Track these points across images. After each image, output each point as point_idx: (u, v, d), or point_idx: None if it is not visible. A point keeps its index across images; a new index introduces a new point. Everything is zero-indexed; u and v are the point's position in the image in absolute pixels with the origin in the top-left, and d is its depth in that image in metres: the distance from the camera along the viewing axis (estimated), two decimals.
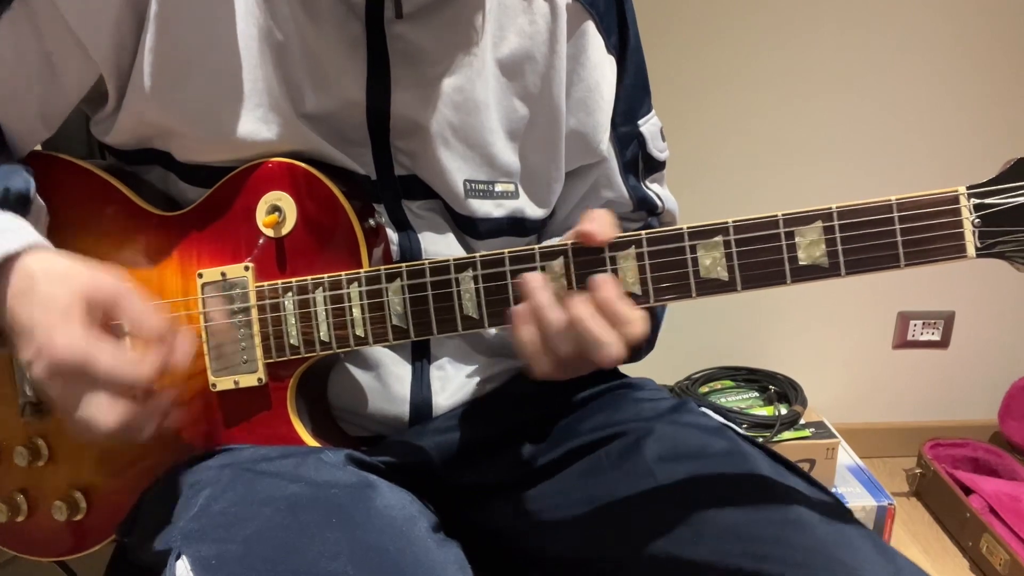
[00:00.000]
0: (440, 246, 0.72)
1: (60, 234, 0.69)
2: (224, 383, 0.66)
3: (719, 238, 0.56)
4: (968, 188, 0.53)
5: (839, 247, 0.54)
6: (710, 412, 0.75)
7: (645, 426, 0.71)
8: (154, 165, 0.71)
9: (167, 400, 0.59)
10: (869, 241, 0.54)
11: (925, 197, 0.53)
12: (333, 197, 0.65)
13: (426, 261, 0.62)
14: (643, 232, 0.58)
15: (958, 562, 1.57)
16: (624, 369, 0.83)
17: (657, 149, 0.81)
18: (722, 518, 0.62)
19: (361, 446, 0.72)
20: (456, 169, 0.71)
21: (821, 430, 1.60)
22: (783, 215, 0.55)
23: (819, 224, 0.55)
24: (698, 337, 1.75)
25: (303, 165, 0.65)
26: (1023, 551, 1.44)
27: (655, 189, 0.82)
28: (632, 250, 0.58)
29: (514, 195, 0.74)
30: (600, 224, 0.58)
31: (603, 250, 0.58)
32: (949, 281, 1.77)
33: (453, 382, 0.75)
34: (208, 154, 0.67)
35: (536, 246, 0.60)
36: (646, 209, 0.81)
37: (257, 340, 0.65)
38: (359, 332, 0.63)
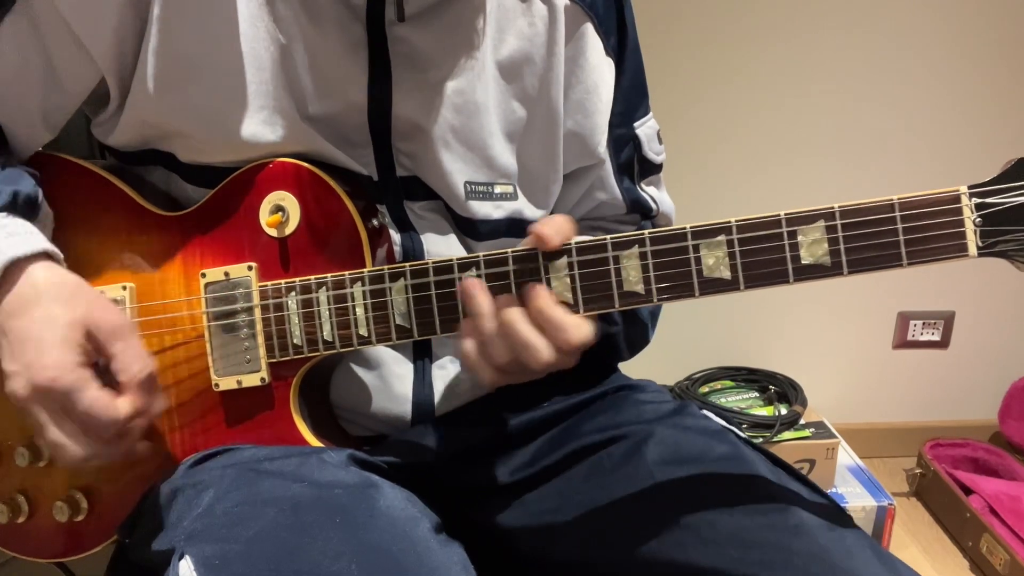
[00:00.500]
0: (442, 247, 0.73)
1: (63, 235, 0.69)
2: (227, 383, 0.66)
3: (722, 237, 0.56)
4: (969, 187, 0.53)
5: (841, 246, 0.55)
6: (711, 415, 0.75)
7: (646, 429, 0.71)
8: (156, 166, 0.71)
9: (135, 439, 0.60)
10: (871, 240, 0.54)
11: (927, 196, 0.54)
12: (337, 197, 0.65)
13: (430, 261, 0.62)
14: (646, 231, 0.58)
15: (958, 562, 1.57)
16: (625, 370, 0.83)
17: (653, 152, 0.81)
18: (722, 522, 0.62)
19: (363, 446, 0.72)
20: (457, 171, 0.71)
21: (821, 430, 1.60)
22: (785, 214, 0.56)
23: (821, 223, 0.55)
24: (698, 337, 1.75)
25: (307, 165, 0.65)
26: (1023, 551, 1.45)
27: (651, 192, 0.82)
28: (635, 249, 0.58)
29: (513, 196, 0.74)
30: (553, 228, 0.59)
31: (606, 248, 0.59)
32: (949, 281, 1.77)
33: (455, 382, 0.75)
34: (212, 155, 0.67)
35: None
36: (640, 212, 0.82)
37: (260, 340, 0.65)
38: (362, 332, 0.64)
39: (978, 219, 0.53)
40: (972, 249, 0.53)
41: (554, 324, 0.57)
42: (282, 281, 0.65)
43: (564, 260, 0.59)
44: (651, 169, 0.82)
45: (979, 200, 0.53)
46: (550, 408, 0.77)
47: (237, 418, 0.67)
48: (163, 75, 0.64)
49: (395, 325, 0.63)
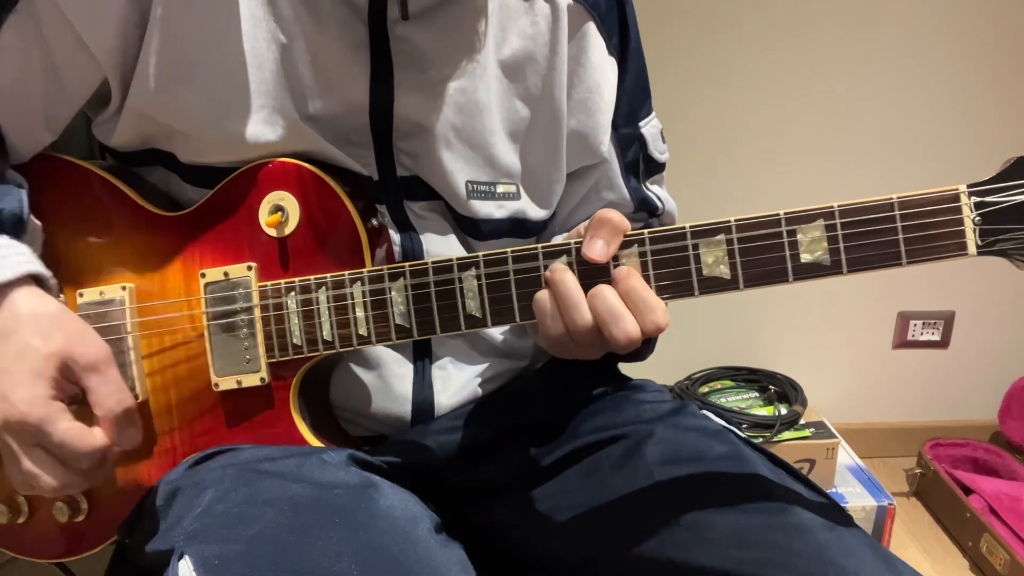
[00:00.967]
0: (442, 247, 0.73)
1: (63, 235, 0.69)
2: (227, 383, 0.66)
3: (721, 236, 0.56)
4: (969, 186, 0.53)
5: (841, 245, 0.55)
6: (711, 415, 0.75)
7: (646, 428, 0.71)
8: (156, 166, 0.71)
9: (111, 468, 0.60)
10: (871, 239, 0.54)
11: (926, 195, 0.54)
12: (336, 197, 0.65)
13: (429, 260, 0.62)
14: (646, 231, 0.58)
15: (958, 562, 1.57)
16: (625, 370, 0.83)
17: (658, 151, 0.81)
18: (722, 522, 0.62)
19: (363, 446, 0.72)
20: (458, 170, 0.71)
21: (821, 430, 1.60)
22: (785, 213, 0.56)
23: (821, 222, 0.55)
24: (698, 337, 1.75)
25: (306, 165, 0.65)
26: (1023, 551, 1.45)
27: (655, 190, 0.82)
28: (635, 248, 0.58)
29: (515, 196, 0.74)
30: (606, 235, 0.58)
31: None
32: (949, 281, 1.77)
33: (455, 382, 0.75)
34: (212, 155, 0.67)
35: (539, 245, 0.60)
36: (646, 210, 0.82)
37: (260, 340, 0.65)
38: (362, 331, 0.64)
39: (977, 218, 0.53)
40: (971, 248, 0.54)
41: (647, 304, 0.56)
42: (281, 281, 0.65)
43: (563, 260, 0.59)
44: (656, 168, 0.82)
45: (978, 199, 0.53)
46: (550, 408, 0.77)
47: (237, 418, 0.67)
48: (164, 74, 0.64)
49: (395, 325, 0.63)
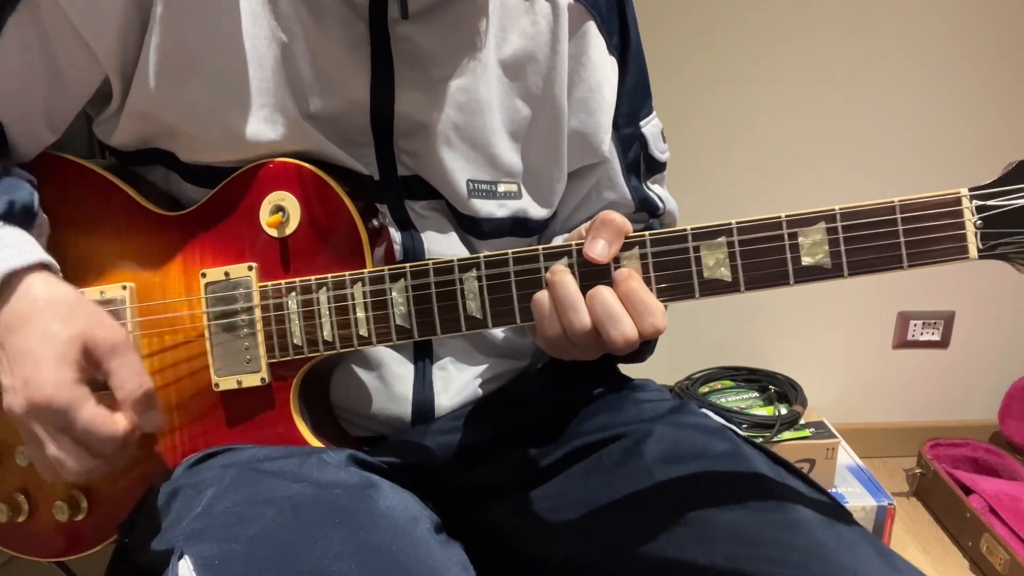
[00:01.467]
0: (443, 246, 0.72)
1: (63, 234, 0.69)
2: (227, 383, 0.66)
3: (722, 239, 0.56)
4: (970, 190, 0.53)
5: (842, 248, 0.55)
6: (710, 413, 0.75)
7: (646, 427, 0.71)
8: (157, 165, 0.71)
9: (132, 453, 0.60)
10: (872, 242, 0.54)
11: (928, 199, 0.54)
12: (337, 197, 0.65)
13: (430, 261, 0.62)
14: (647, 233, 0.58)
15: (958, 562, 1.57)
16: (624, 370, 0.83)
17: (658, 150, 0.81)
18: (722, 520, 0.62)
19: (363, 446, 0.72)
20: (459, 169, 0.71)
21: (821, 430, 1.60)
22: (786, 216, 0.56)
23: (822, 225, 0.55)
24: (698, 337, 1.75)
25: (307, 165, 0.65)
26: (1023, 551, 1.45)
27: (656, 190, 0.82)
28: (636, 250, 0.58)
29: (517, 195, 0.74)
30: (608, 236, 0.58)
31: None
32: (949, 281, 1.77)
33: (455, 382, 0.75)
34: (213, 154, 0.67)
35: (540, 246, 0.60)
36: (647, 210, 0.82)
37: (260, 340, 0.65)
38: (362, 332, 0.64)
39: (979, 221, 0.53)
40: (972, 251, 0.53)
41: (646, 306, 0.56)
42: (282, 281, 0.65)
43: (564, 262, 0.59)
44: (656, 168, 0.82)
45: (980, 202, 0.53)
46: (549, 408, 0.77)
47: (237, 418, 0.67)
48: (164, 72, 0.64)
49: (395, 326, 0.63)
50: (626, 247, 0.58)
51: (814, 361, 1.81)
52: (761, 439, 1.52)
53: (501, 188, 0.73)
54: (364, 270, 0.64)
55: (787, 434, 1.58)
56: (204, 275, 0.66)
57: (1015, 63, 1.65)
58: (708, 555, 0.61)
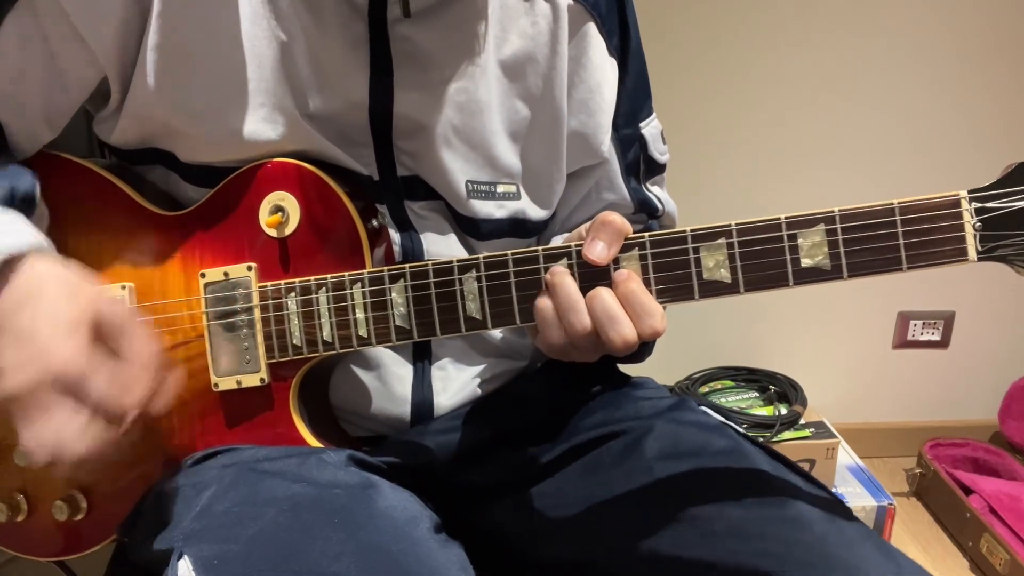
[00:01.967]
0: (442, 247, 0.72)
1: (62, 233, 0.69)
2: (226, 383, 0.66)
3: (722, 240, 0.56)
4: (969, 192, 0.53)
5: (841, 250, 0.55)
6: (709, 411, 0.75)
7: (645, 424, 0.71)
8: (156, 165, 0.71)
9: (134, 435, 0.58)
10: (871, 244, 0.54)
11: (927, 201, 0.54)
12: (336, 197, 0.65)
13: (429, 262, 0.62)
14: (646, 234, 0.58)
15: (958, 562, 1.57)
16: (624, 369, 0.83)
17: (658, 152, 0.81)
18: (722, 516, 0.62)
19: (363, 446, 0.72)
20: (458, 170, 0.71)
21: (821, 430, 1.60)
22: (786, 218, 0.55)
23: (822, 227, 0.55)
24: (698, 337, 1.75)
25: (306, 165, 0.65)
26: (1023, 551, 1.45)
27: (655, 192, 0.82)
28: (635, 252, 0.58)
29: (516, 196, 0.74)
30: (607, 237, 0.58)
31: None
32: (949, 281, 1.77)
33: (454, 382, 0.75)
34: (212, 154, 0.67)
35: (540, 248, 0.60)
36: (646, 212, 0.82)
37: (260, 340, 0.65)
38: (362, 332, 0.64)
39: (978, 223, 0.53)
40: (972, 253, 0.53)
41: (645, 308, 0.56)
42: (281, 282, 0.65)
43: (564, 263, 0.59)
44: (656, 169, 0.82)
45: (979, 204, 0.53)
46: (548, 407, 0.77)
47: (236, 418, 0.67)
48: (163, 71, 0.64)
49: (394, 326, 0.63)
50: (626, 248, 0.58)
51: (814, 361, 1.81)
52: (761, 439, 1.52)
53: (500, 189, 0.73)
54: (363, 271, 0.64)
55: (787, 434, 1.58)
56: (203, 275, 0.66)
57: (1015, 63, 1.65)
58: (708, 551, 0.61)
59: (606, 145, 0.77)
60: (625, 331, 0.56)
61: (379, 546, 0.54)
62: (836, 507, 0.64)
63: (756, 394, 1.72)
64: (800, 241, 0.55)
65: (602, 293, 0.57)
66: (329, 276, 0.64)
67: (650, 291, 0.58)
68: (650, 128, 0.80)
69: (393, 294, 0.63)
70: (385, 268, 0.63)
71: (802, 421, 1.62)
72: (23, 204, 0.63)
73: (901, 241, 0.54)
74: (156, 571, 0.58)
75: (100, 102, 0.69)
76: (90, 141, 0.83)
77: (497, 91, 0.72)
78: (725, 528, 0.61)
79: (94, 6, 0.62)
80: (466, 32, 0.69)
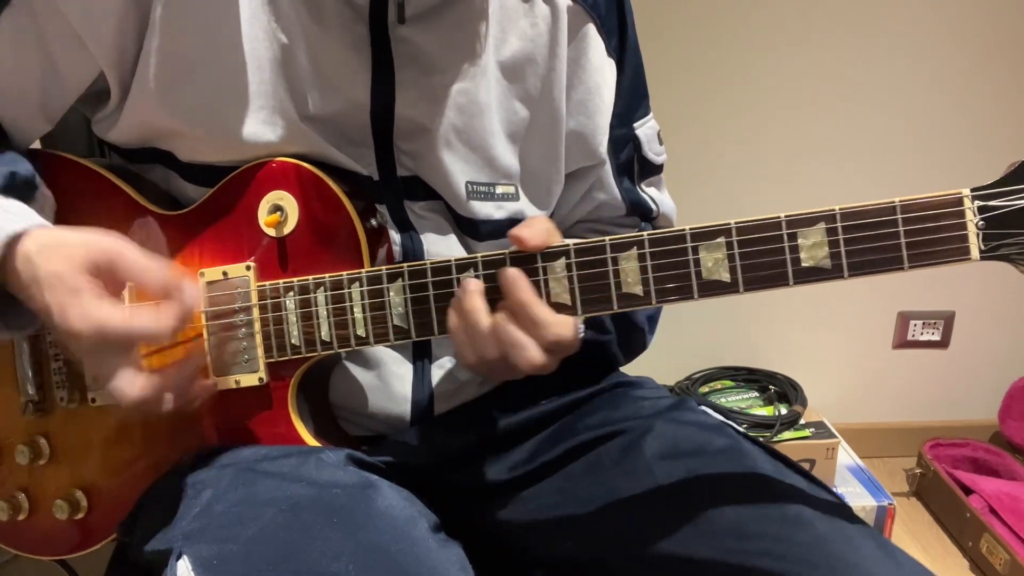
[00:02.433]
0: (442, 247, 0.72)
1: None
2: (225, 382, 0.66)
3: (721, 239, 0.56)
4: (972, 190, 0.53)
5: (842, 249, 0.54)
6: (709, 410, 0.75)
7: (645, 424, 0.71)
8: (156, 164, 0.71)
9: (186, 374, 0.61)
10: (872, 243, 0.54)
11: (929, 199, 0.53)
12: (335, 197, 0.65)
13: (428, 261, 0.62)
14: (645, 233, 0.58)
15: (958, 562, 1.57)
16: (624, 370, 0.83)
17: (654, 152, 0.81)
18: (722, 515, 0.62)
19: (362, 446, 0.72)
20: (458, 171, 0.71)
21: (821, 430, 1.60)
22: (786, 216, 0.55)
23: (822, 226, 0.55)
24: (698, 337, 1.75)
25: (306, 165, 0.65)
26: (1023, 551, 1.45)
27: (651, 193, 0.82)
28: (634, 251, 0.58)
29: (514, 197, 0.74)
30: (532, 231, 0.59)
31: (604, 250, 0.58)
32: (949, 281, 1.77)
33: (454, 381, 0.75)
34: (211, 155, 0.67)
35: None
36: (639, 213, 0.81)
37: (258, 339, 0.65)
38: (360, 332, 0.63)
39: (980, 222, 0.53)
40: (974, 252, 0.53)
41: (536, 321, 0.57)
42: (280, 281, 0.65)
43: (562, 262, 0.59)
44: (651, 170, 0.82)
45: (982, 203, 0.53)
46: (548, 406, 0.77)
47: (235, 418, 0.67)
48: (164, 73, 0.64)
49: (393, 326, 0.63)
50: (624, 247, 0.58)
51: (814, 361, 1.81)
52: (761, 439, 1.52)
53: (499, 190, 0.73)
54: (362, 270, 0.64)
55: (787, 434, 1.58)
56: (202, 274, 0.66)
57: (1015, 63, 1.65)
58: (709, 550, 0.61)
59: (604, 146, 0.77)
60: (531, 355, 0.57)
61: (378, 546, 0.54)
62: (837, 506, 0.63)
63: (756, 394, 1.72)
64: (800, 240, 0.55)
65: (502, 320, 0.58)
66: (327, 276, 0.64)
67: (649, 290, 0.58)
68: (645, 128, 0.80)
69: (391, 294, 0.62)
70: (383, 268, 0.63)
71: (802, 421, 1.62)
72: (23, 188, 0.63)
73: (903, 240, 0.53)
74: (156, 571, 0.57)
75: (98, 102, 0.69)
76: (90, 141, 0.83)
77: (496, 92, 0.72)
78: (725, 527, 0.61)
79: (89, 7, 0.62)
80: (467, 33, 0.69)
